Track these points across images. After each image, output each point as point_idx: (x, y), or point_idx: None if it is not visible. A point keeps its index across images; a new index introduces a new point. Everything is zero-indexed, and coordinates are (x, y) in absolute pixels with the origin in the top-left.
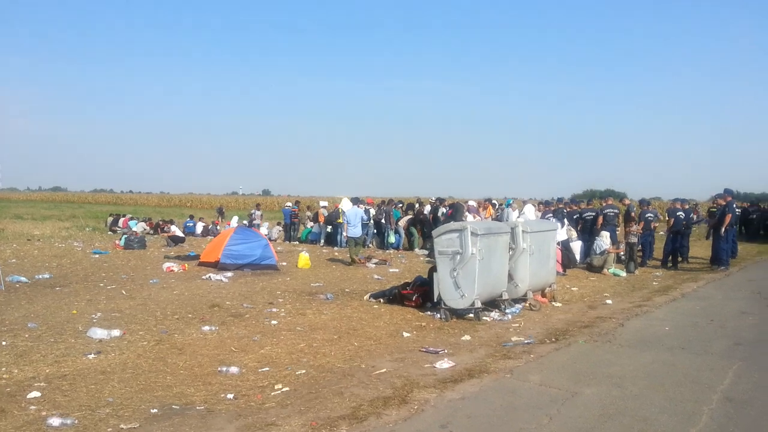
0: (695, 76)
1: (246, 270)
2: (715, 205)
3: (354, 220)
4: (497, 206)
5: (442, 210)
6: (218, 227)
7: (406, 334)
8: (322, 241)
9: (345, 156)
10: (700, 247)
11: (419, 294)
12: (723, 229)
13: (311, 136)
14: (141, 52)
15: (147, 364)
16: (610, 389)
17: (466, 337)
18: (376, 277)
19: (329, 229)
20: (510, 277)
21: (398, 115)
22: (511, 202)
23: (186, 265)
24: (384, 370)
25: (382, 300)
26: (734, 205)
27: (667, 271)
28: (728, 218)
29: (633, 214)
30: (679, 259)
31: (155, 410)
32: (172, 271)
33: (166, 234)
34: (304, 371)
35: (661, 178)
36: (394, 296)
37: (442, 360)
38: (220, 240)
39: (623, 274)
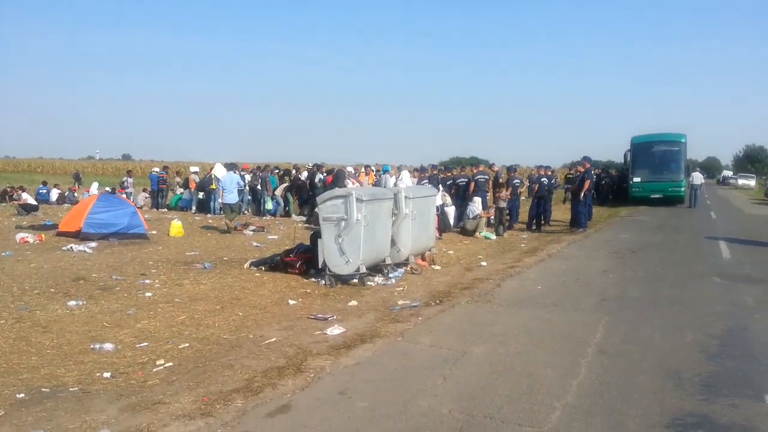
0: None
1: (112, 240)
2: (573, 171)
3: (230, 186)
4: (375, 172)
5: (320, 176)
6: (76, 194)
7: (292, 302)
8: (194, 208)
9: (214, 120)
10: (558, 211)
11: (303, 261)
12: (582, 194)
13: (177, 98)
14: None
15: (7, 345)
16: (496, 347)
17: (353, 303)
18: (255, 244)
19: (201, 195)
20: (393, 242)
21: (271, 79)
22: (389, 168)
23: (42, 235)
24: (274, 339)
25: (263, 268)
26: (592, 172)
27: (532, 234)
28: (587, 184)
29: (501, 180)
30: (543, 222)
31: (22, 395)
32: (26, 242)
33: (16, 202)
34: (187, 344)
35: (520, 147)
36: (277, 264)
37: (333, 326)
38: (82, 208)
39: (493, 237)
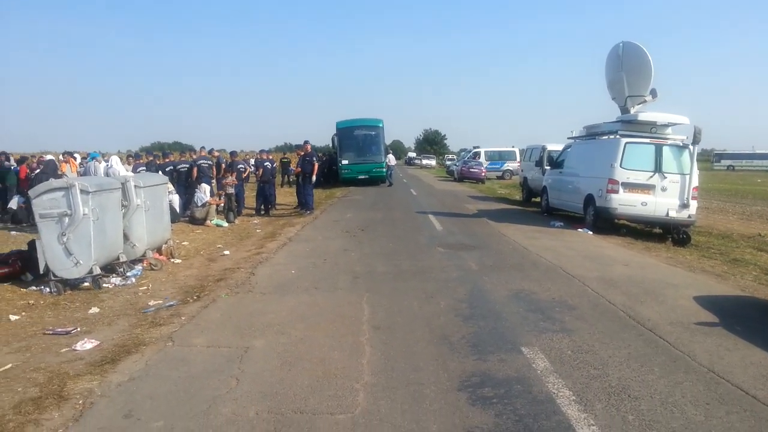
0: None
1: None
2: (295, 154)
3: None
4: (80, 160)
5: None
6: None
7: (14, 317)
8: None
9: None
10: (279, 194)
11: (14, 268)
12: (313, 177)
13: None
14: None
15: None
16: (277, 338)
17: (95, 310)
18: None
19: None
20: (126, 237)
21: None
22: (97, 155)
23: None
24: (9, 365)
25: None
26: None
27: (263, 218)
28: (317, 167)
29: (223, 165)
30: (270, 206)
31: None
32: None
33: None
34: None
35: (223, 131)
36: None
37: (81, 341)
38: None
39: (225, 224)
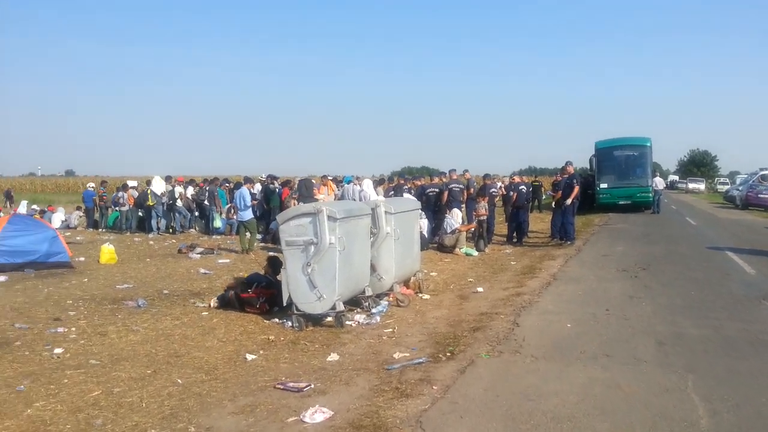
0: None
1: (27, 271)
2: (558, 178)
3: (240, 201)
4: (337, 183)
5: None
6: (1, 215)
7: (250, 357)
8: (133, 226)
9: (156, 133)
10: (532, 221)
11: (265, 298)
12: (571, 201)
13: (119, 111)
14: None
15: None
16: None
17: (334, 357)
18: (202, 271)
19: (141, 213)
20: (372, 269)
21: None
22: (351, 179)
23: None
24: None
25: (213, 304)
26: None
27: (515, 247)
28: (576, 190)
29: (474, 188)
30: (523, 234)
31: None
32: None
33: None
34: None
35: (469, 156)
36: (229, 301)
37: (313, 409)
38: None
39: (475, 253)
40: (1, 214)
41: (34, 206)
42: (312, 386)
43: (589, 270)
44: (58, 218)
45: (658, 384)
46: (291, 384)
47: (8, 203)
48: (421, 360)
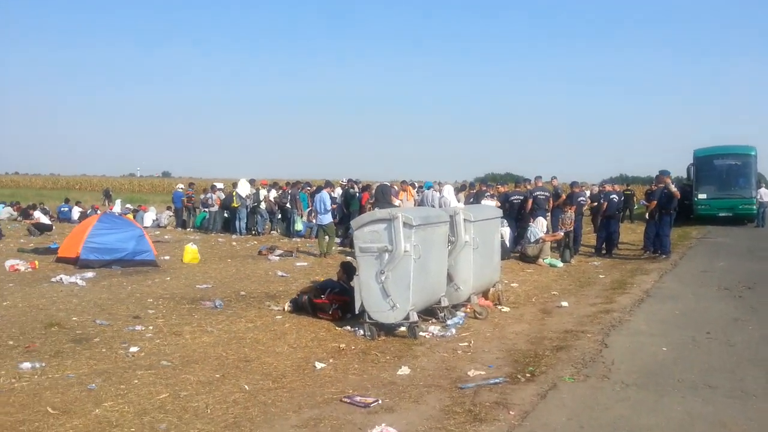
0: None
1: (114, 268)
2: (653, 187)
3: (320, 205)
4: (417, 189)
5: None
6: (98, 213)
7: (319, 365)
8: (219, 226)
9: (248, 136)
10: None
11: (338, 305)
12: (671, 211)
13: (213, 114)
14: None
15: None
16: None
17: (404, 370)
18: (279, 273)
19: (226, 214)
20: (449, 278)
21: (304, 94)
22: (431, 184)
23: (36, 262)
24: None
25: (287, 308)
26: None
27: (604, 259)
28: (677, 195)
29: (562, 196)
30: (612, 246)
31: None
32: (16, 270)
33: (28, 221)
34: None
35: (555, 163)
36: (302, 305)
37: (379, 427)
38: (81, 230)
39: (560, 264)
40: (99, 212)
41: (128, 205)
42: (380, 402)
43: (687, 287)
44: (149, 217)
45: None
46: (358, 398)
47: (106, 201)
48: (497, 380)
